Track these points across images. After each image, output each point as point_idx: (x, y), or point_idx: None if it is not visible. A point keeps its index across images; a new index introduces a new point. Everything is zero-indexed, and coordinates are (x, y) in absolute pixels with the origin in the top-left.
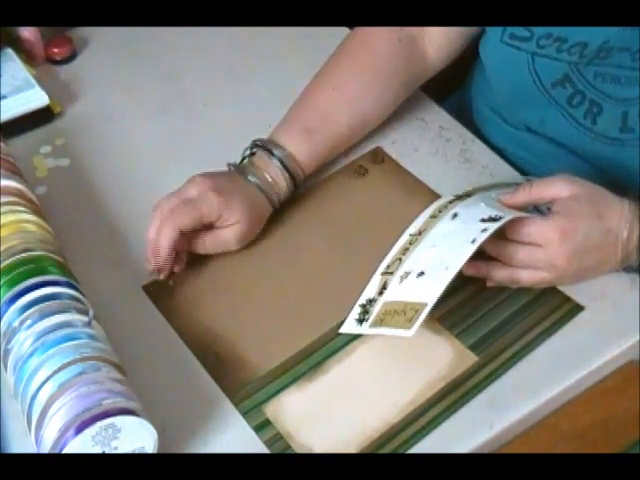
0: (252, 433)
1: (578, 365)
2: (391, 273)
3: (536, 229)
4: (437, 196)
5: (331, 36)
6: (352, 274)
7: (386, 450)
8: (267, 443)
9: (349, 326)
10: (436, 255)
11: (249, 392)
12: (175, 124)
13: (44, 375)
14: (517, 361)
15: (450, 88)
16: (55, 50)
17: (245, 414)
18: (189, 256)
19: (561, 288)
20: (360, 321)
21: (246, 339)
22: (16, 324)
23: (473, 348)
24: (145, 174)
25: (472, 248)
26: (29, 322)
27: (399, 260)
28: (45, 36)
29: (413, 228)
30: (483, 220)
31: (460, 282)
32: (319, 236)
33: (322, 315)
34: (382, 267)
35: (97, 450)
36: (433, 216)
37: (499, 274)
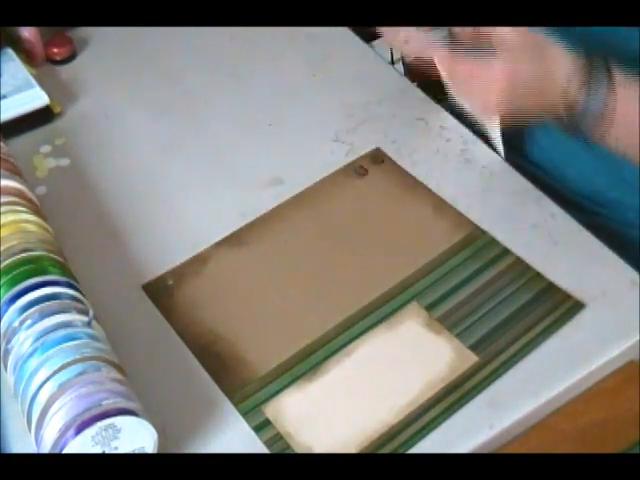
0: (252, 433)
1: (578, 365)
2: None
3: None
4: (437, 197)
5: (331, 36)
6: (352, 274)
7: (386, 450)
8: (267, 443)
9: None
10: None
11: (249, 392)
12: (175, 124)
13: (44, 375)
14: (517, 361)
15: None
16: (55, 50)
17: (245, 414)
18: (189, 257)
19: (561, 285)
20: None
21: (246, 339)
22: (16, 324)
23: (473, 348)
24: (145, 174)
25: None
26: (29, 322)
27: None
28: (45, 36)
29: None
30: None
31: (460, 282)
32: (318, 236)
33: (322, 315)
34: None
35: (97, 450)
36: None
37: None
